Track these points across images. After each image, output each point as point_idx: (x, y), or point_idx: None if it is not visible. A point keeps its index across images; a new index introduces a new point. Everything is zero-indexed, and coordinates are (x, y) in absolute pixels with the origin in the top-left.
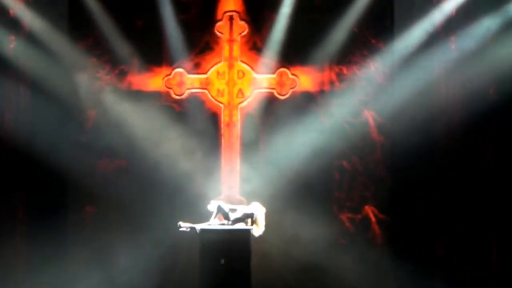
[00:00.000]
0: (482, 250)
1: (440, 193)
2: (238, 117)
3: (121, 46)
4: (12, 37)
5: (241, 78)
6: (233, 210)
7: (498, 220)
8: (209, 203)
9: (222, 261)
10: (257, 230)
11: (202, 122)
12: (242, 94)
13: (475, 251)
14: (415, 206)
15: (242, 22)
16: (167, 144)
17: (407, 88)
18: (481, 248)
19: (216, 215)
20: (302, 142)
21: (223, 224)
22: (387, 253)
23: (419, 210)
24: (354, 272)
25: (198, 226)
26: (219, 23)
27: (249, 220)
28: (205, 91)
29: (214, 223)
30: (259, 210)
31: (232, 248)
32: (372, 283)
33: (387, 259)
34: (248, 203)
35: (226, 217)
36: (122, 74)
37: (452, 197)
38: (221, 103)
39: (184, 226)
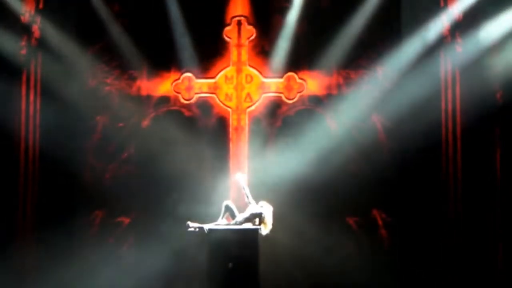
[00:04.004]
0: (488, 252)
1: (447, 197)
2: (246, 121)
3: (130, 51)
4: (23, 43)
5: (249, 82)
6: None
7: (504, 222)
8: (236, 175)
9: (230, 265)
10: (265, 229)
11: (210, 126)
12: (250, 98)
13: (481, 253)
14: (422, 209)
15: (250, 27)
16: (176, 148)
17: (414, 92)
18: (487, 250)
19: (223, 215)
20: (309, 146)
21: (231, 224)
22: (394, 256)
23: (426, 213)
24: (361, 274)
25: (206, 226)
26: (227, 28)
27: (257, 220)
28: (214, 95)
29: (222, 223)
30: (266, 209)
31: (240, 248)
32: (379, 285)
33: (394, 262)
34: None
35: (234, 217)
36: (131, 79)
37: (459, 200)
38: (229, 107)
39: (193, 226)
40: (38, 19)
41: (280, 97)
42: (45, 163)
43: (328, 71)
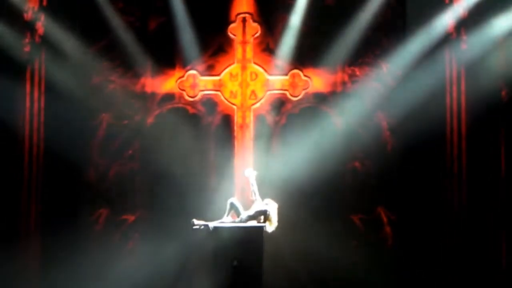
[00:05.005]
0: (492, 251)
1: (451, 195)
2: (251, 119)
3: (134, 49)
4: (26, 41)
5: (254, 79)
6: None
7: (509, 221)
8: (246, 170)
9: (235, 262)
10: (270, 226)
11: (215, 124)
12: (255, 95)
13: (485, 251)
14: (426, 207)
15: (255, 24)
16: (181, 146)
17: (419, 89)
18: (491, 248)
19: (229, 212)
20: (314, 144)
21: (236, 222)
22: (398, 254)
23: (430, 211)
24: (365, 272)
25: (211, 224)
26: (232, 25)
27: (262, 218)
28: (218, 92)
29: (227, 221)
30: (271, 206)
31: (245, 246)
32: (383, 283)
33: (398, 260)
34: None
35: (239, 214)
36: (136, 77)
37: (464, 198)
38: (234, 104)
39: (198, 223)
40: (42, 16)
41: (285, 94)
42: (49, 160)
43: (333, 68)
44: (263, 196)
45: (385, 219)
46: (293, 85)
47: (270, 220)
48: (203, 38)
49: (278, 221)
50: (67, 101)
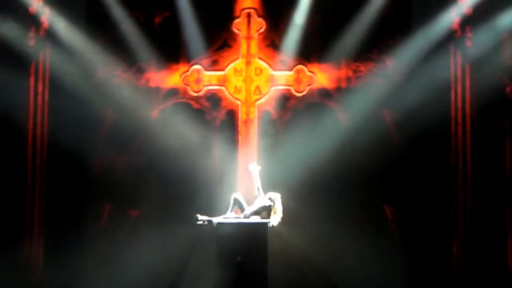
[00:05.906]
0: (497, 249)
1: (457, 191)
2: (255, 114)
3: (139, 43)
4: (31, 34)
5: (259, 75)
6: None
7: None
8: (250, 165)
9: (239, 259)
10: (276, 218)
11: (219, 119)
12: (260, 91)
13: (490, 249)
14: (431, 204)
15: (260, 19)
16: (184, 141)
17: (424, 85)
18: (496, 247)
19: (232, 208)
20: (319, 139)
21: (240, 218)
22: (403, 250)
23: (435, 208)
24: (371, 268)
25: (215, 220)
26: (236, 20)
27: (266, 213)
28: (223, 88)
29: (231, 216)
30: (275, 198)
31: (249, 241)
32: (389, 279)
33: (403, 256)
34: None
35: (243, 210)
36: (140, 71)
37: (469, 195)
38: (239, 100)
39: (201, 219)
40: (47, 10)
41: (290, 90)
42: (54, 155)
43: (338, 64)
44: (266, 192)
45: (390, 216)
46: (297, 80)
47: (275, 211)
48: (208, 33)
49: (282, 217)
50: (71, 95)
